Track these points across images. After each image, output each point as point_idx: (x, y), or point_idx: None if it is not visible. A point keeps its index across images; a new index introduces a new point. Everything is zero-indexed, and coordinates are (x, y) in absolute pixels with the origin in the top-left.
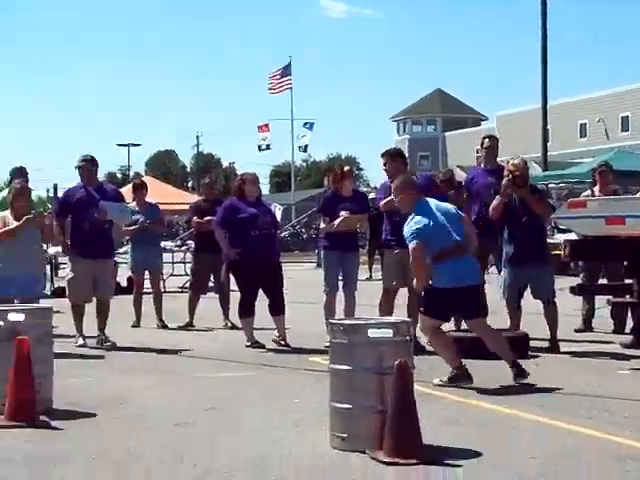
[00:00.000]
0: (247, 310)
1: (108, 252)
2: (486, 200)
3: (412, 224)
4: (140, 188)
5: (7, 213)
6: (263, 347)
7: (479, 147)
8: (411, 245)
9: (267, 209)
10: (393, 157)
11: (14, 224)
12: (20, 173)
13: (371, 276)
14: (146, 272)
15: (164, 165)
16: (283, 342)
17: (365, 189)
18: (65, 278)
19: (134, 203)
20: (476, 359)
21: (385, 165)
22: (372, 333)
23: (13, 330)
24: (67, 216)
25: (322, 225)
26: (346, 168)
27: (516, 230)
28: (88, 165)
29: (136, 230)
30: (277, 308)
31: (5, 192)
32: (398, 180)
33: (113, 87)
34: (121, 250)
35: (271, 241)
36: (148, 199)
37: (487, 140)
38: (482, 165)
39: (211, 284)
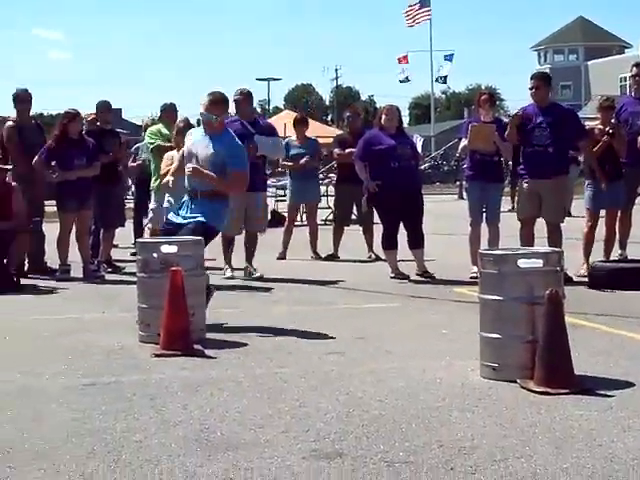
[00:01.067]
0: (390, 242)
1: (259, 186)
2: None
3: None
4: (301, 123)
5: (175, 152)
6: (407, 278)
7: (628, 75)
8: None
9: (407, 140)
10: (544, 80)
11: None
12: (171, 109)
13: (514, 207)
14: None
15: (302, 99)
16: (427, 274)
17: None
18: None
19: (294, 137)
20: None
21: (533, 89)
22: (522, 263)
23: (166, 261)
24: None
25: (461, 146)
26: (485, 95)
27: None
28: (245, 99)
29: (299, 166)
30: (416, 241)
31: (157, 127)
32: None
33: (252, 23)
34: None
35: (412, 172)
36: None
37: (635, 68)
38: (632, 93)
39: (354, 216)
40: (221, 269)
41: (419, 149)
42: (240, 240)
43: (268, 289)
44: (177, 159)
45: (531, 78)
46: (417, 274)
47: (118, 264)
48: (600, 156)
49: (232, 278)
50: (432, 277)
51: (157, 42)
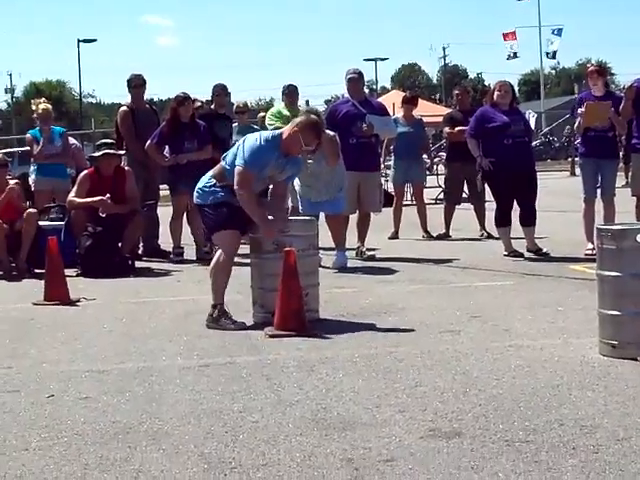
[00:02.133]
0: (504, 219)
1: (374, 165)
2: None
3: None
4: (410, 102)
5: None
6: (522, 256)
7: None
8: None
9: (520, 117)
10: None
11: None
12: (293, 90)
13: (628, 182)
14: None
15: (410, 79)
16: (539, 251)
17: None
18: None
19: (400, 115)
20: None
21: None
22: None
23: (280, 242)
24: (334, 131)
25: (576, 125)
26: (593, 68)
27: None
28: (357, 79)
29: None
30: (528, 219)
31: (277, 108)
32: None
33: (357, 4)
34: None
35: (526, 149)
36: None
37: None
38: None
39: (465, 195)
40: (332, 249)
41: (532, 126)
42: (353, 220)
43: (381, 268)
44: None
45: None
46: (528, 251)
47: None
48: None
49: (344, 266)
50: (545, 254)
51: (265, 27)
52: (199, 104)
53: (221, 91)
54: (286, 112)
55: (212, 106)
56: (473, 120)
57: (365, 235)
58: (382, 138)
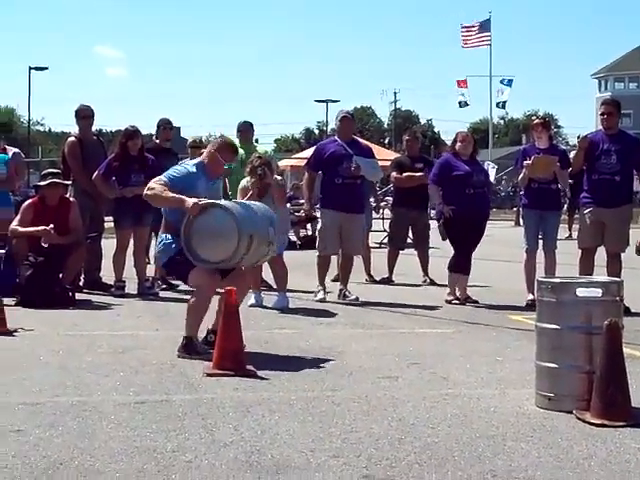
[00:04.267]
0: (460, 266)
1: (359, 207)
2: None
3: None
4: None
5: (245, 181)
6: (464, 303)
7: None
8: None
9: (481, 168)
10: (616, 107)
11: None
12: (248, 127)
13: (571, 235)
14: None
15: (360, 121)
16: (469, 299)
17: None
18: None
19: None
20: None
21: (604, 115)
22: (581, 292)
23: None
24: (319, 170)
25: (520, 177)
26: (538, 120)
27: None
28: (349, 120)
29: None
30: (467, 267)
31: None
32: None
33: (311, 45)
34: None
35: (485, 200)
36: None
37: None
38: None
39: (409, 240)
40: (310, 292)
41: (492, 177)
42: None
43: (322, 311)
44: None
45: (602, 104)
46: (456, 299)
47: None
48: None
49: (323, 301)
50: (474, 302)
51: (216, 61)
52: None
53: (166, 125)
54: (240, 150)
55: (157, 140)
56: (436, 167)
57: (348, 278)
58: (371, 179)
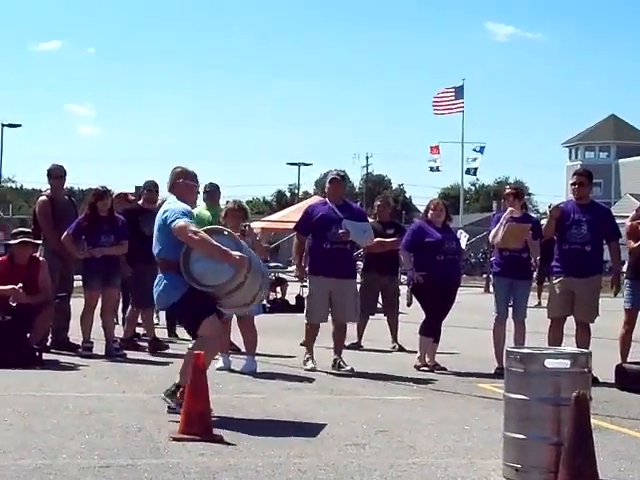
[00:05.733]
0: (430, 330)
1: (349, 272)
2: None
3: None
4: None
5: None
6: (432, 370)
7: None
8: None
9: (453, 235)
10: (588, 177)
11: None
12: (215, 190)
13: (540, 303)
14: None
15: None
16: (438, 366)
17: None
18: (306, 296)
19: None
20: None
21: (576, 184)
22: (549, 363)
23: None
24: (308, 233)
25: (492, 233)
26: (511, 190)
27: None
28: (339, 181)
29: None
30: (437, 333)
31: (198, 210)
32: None
33: (283, 107)
34: (291, 268)
35: (456, 267)
36: None
37: None
38: None
39: (379, 305)
40: (279, 356)
41: (463, 245)
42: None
43: (290, 376)
44: None
45: (574, 174)
46: (425, 365)
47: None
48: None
49: (313, 370)
50: (442, 369)
51: (188, 121)
52: (133, 198)
53: (152, 187)
54: (206, 213)
55: (140, 201)
56: (409, 233)
57: (342, 346)
58: (361, 244)
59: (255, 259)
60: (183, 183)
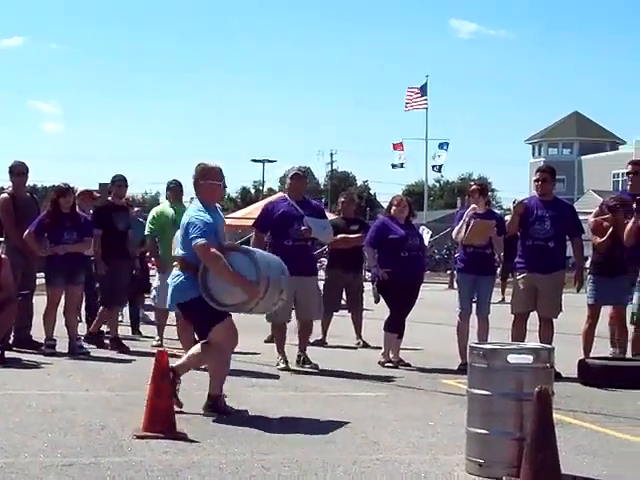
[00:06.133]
0: (395, 326)
1: (311, 269)
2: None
3: None
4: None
5: None
6: (396, 366)
7: (624, 171)
8: None
9: (416, 232)
10: (551, 174)
11: None
12: (177, 187)
13: (504, 299)
14: None
15: None
16: (402, 362)
17: (498, 211)
18: None
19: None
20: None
21: (539, 181)
22: (512, 358)
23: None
24: (267, 231)
25: (455, 230)
26: (476, 186)
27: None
28: (300, 177)
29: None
30: (401, 329)
31: (160, 208)
32: None
33: (249, 102)
34: None
35: (419, 263)
36: None
37: (631, 165)
38: (628, 189)
39: (343, 302)
40: (245, 353)
41: (426, 241)
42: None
43: (255, 373)
44: None
45: (537, 170)
46: (389, 362)
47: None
48: (605, 250)
49: (287, 370)
50: (407, 365)
51: (150, 118)
52: (98, 195)
53: (122, 182)
54: (169, 210)
55: (110, 197)
56: (373, 230)
57: (306, 343)
58: (322, 241)
59: (273, 264)
60: (206, 184)
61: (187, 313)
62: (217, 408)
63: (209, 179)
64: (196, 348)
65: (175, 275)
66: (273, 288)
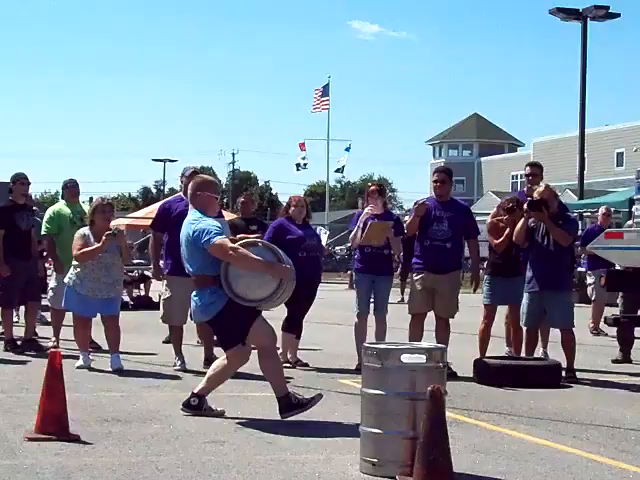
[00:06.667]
0: (292, 327)
1: None
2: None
3: None
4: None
5: (87, 230)
6: (294, 366)
7: (522, 173)
8: None
9: (313, 232)
10: (448, 175)
11: (95, 245)
12: (74, 186)
13: (403, 299)
14: None
15: None
16: (300, 362)
17: (398, 212)
18: (161, 297)
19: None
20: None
21: (437, 182)
22: (405, 358)
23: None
24: (165, 231)
25: (352, 235)
26: (374, 187)
27: (536, 255)
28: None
29: None
30: (298, 330)
31: (57, 208)
32: None
33: (150, 102)
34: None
35: (317, 264)
36: None
37: (529, 167)
38: (525, 190)
39: None
40: (141, 354)
41: (324, 242)
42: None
43: (151, 373)
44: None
45: (435, 172)
46: (287, 362)
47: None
48: (503, 252)
49: (184, 370)
50: (306, 365)
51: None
52: None
53: (24, 180)
54: (66, 210)
55: (10, 197)
56: (270, 230)
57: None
58: None
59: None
60: (204, 196)
61: (217, 328)
62: (295, 406)
63: (207, 191)
64: (214, 368)
65: (194, 295)
66: (291, 280)
